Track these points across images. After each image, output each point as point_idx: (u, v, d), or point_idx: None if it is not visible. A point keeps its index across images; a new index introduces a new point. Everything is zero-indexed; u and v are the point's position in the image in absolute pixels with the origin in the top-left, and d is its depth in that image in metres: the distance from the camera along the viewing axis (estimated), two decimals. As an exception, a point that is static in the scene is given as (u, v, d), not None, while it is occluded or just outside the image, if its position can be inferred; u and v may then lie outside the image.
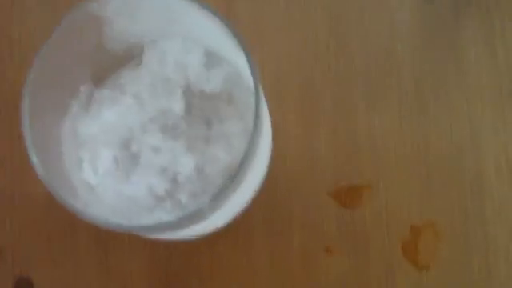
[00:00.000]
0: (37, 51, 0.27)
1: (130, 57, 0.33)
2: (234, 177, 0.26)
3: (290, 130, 0.38)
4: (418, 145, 0.37)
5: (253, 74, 0.26)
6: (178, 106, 0.32)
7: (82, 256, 0.37)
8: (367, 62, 0.38)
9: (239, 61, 0.28)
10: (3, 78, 0.39)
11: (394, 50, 0.38)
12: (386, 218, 0.37)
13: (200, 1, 0.27)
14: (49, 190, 0.26)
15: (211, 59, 0.32)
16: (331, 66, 0.38)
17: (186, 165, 0.31)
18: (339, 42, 0.38)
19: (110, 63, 0.32)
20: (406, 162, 0.37)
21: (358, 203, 0.37)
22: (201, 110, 0.32)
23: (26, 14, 0.39)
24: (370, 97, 0.38)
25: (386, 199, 0.37)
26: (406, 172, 0.37)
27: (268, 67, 0.38)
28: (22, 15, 0.40)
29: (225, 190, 0.26)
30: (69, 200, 0.26)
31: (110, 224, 0.26)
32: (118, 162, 0.32)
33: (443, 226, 0.37)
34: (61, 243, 0.37)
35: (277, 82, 0.38)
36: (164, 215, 0.31)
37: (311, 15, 0.39)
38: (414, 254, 0.36)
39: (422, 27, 0.39)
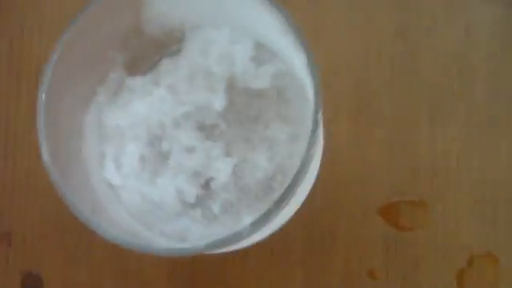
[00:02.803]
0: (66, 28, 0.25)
1: (169, 43, 0.30)
2: (280, 201, 0.23)
3: (341, 136, 0.35)
4: (486, 165, 0.34)
5: (314, 78, 0.23)
6: (218, 102, 0.29)
7: (97, 256, 0.35)
8: (435, 69, 0.35)
9: (294, 59, 0.26)
10: (30, 54, 0.37)
11: (466, 58, 0.35)
12: (441, 244, 0.34)
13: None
14: (60, 193, 0.24)
15: (261, 53, 0.29)
16: (393, 72, 0.35)
17: (222, 170, 0.28)
18: (404, 46, 0.35)
19: (145, 48, 0.30)
20: (471, 183, 0.34)
21: (411, 224, 0.34)
22: (244, 110, 0.29)
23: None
24: (434, 107, 0.35)
25: (444, 222, 0.34)
26: (470, 194, 0.34)
27: (321, 67, 0.35)
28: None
29: (269, 214, 0.23)
30: (82, 209, 0.24)
31: (128, 244, 0.23)
32: (144, 160, 0.29)
33: (505, 261, 0.33)
34: (76, 239, 0.36)
35: (330, 84, 0.35)
36: (192, 224, 0.29)
37: (375, 17, 0.35)
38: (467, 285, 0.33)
39: (501, 36, 0.35)
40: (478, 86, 0.34)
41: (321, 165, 0.31)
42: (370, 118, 0.35)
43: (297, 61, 0.25)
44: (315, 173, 0.29)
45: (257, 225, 0.23)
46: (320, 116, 0.23)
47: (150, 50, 0.30)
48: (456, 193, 0.34)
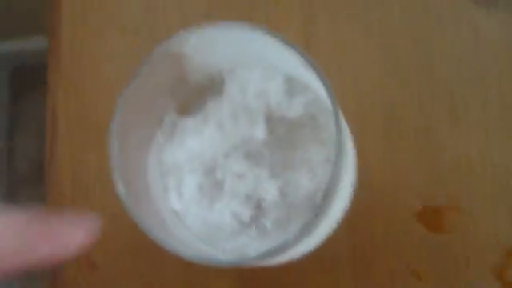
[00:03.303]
0: (124, 88, 0.28)
1: (212, 86, 0.33)
2: (317, 212, 0.25)
3: (373, 151, 0.37)
4: (508, 164, 0.36)
5: (333, 104, 0.26)
6: (260, 133, 0.32)
7: (169, 273, 0.38)
8: (452, 80, 0.37)
9: (321, 89, 0.28)
10: (95, 111, 0.41)
11: (477, 57, 0.37)
12: (477, 242, 0.35)
13: (275, 32, 0.27)
14: (136, 222, 0.27)
15: (292, 86, 0.32)
16: (414, 87, 0.37)
17: (269, 191, 0.31)
18: (422, 62, 0.38)
19: (192, 93, 0.33)
20: (496, 182, 0.36)
21: (446, 226, 0.36)
22: (283, 137, 0.32)
23: (115, 53, 0.41)
24: (454, 116, 0.37)
25: (477, 221, 0.36)
26: (496, 193, 0.36)
27: (349, 90, 0.38)
28: (112, 54, 0.41)
29: (309, 224, 0.26)
30: (156, 233, 0.27)
31: (195, 258, 0.27)
32: (202, 188, 0.32)
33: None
34: (148, 260, 0.38)
35: (358, 104, 0.38)
36: (249, 241, 0.32)
37: (391, 37, 0.38)
38: (509, 280, 0.35)
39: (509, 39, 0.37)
40: (490, 83, 0.36)
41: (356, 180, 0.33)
42: (397, 136, 0.37)
43: (322, 88, 0.27)
44: (349, 186, 0.31)
45: (300, 235, 0.26)
46: (342, 138, 0.26)
47: (196, 95, 0.33)
48: (484, 191, 0.35)
